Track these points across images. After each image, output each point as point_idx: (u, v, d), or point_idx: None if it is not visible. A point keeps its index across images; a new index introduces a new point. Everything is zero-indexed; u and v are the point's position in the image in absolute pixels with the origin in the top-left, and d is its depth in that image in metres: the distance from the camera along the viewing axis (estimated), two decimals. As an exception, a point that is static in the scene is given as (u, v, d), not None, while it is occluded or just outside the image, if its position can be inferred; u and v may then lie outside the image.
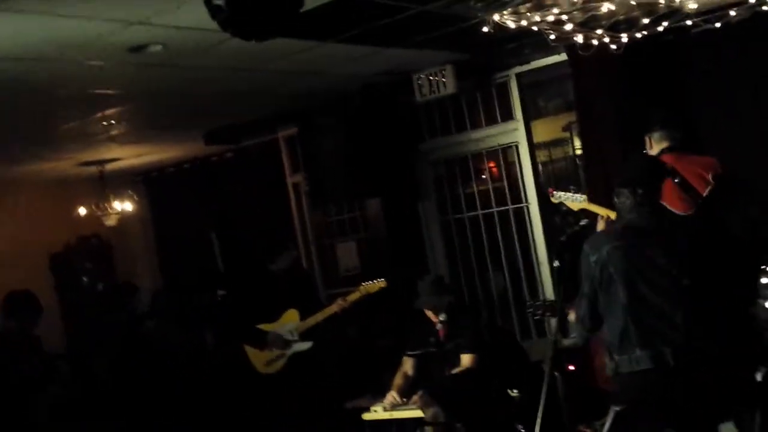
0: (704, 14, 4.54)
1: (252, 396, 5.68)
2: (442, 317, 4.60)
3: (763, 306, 4.14)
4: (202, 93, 5.60)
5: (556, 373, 3.38)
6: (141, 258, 9.34)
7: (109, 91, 5.13)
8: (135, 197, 8.40)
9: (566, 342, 4.86)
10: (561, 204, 4.57)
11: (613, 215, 4.21)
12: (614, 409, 3.03)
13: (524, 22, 4.14)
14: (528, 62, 6.01)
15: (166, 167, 8.83)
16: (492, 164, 6.60)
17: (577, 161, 6.07)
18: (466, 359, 4.51)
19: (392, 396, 4.58)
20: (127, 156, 7.69)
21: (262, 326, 5.32)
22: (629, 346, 3.04)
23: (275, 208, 7.56)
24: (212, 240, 8.37)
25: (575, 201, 4.50)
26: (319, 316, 5.32)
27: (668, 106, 5.17)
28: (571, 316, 3.41)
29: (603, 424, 3.08)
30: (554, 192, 4.62)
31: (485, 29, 4.09)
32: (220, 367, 6.40)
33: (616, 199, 3.27)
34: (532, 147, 6.25)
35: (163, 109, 6.00)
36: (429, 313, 4.68)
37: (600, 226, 4.17)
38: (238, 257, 7.88)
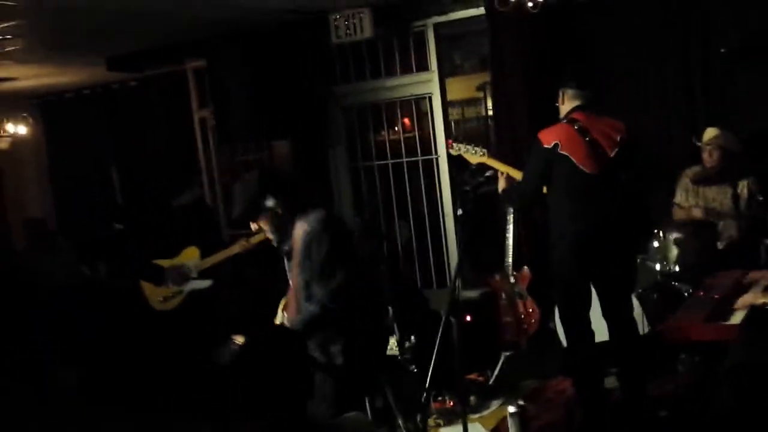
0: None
1: (145, 332, 5.55)
2: None
3: (651, 268, 4.35)
4: (106, 9, 5.27)
5: (452, 320, 3.42)
6: (33, 186, 8.89)
7: (8, 2, 4.76)
8: (30, 121, 7.95)
9: (469, 294, 4.94)
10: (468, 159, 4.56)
11: (512, 172, 4.26)
12: (504, 354, 3.14)
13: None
14: (446, 13, 5.99)
15: (64, 92, 8.36)
16: (405, 114, 6.59)
17: (489, 121, 6.12)
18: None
19: None
20: (24, 76, 7.22)
21: (160, 262, 5.18)
22: None
23: (180, 142, 7.31)
24: (111, 171, 8.03)
25: (474, 155, 4.50)
26: (220, 256, 5.20)
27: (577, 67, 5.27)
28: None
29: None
30: (453, 144, 4.61)
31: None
32: (113, 301, 6.21)
33: None
34: (445, 99, 6.27)
35: (64, 26, 5.62)
36: None
37: (501, 183, 4.18)
38: (138, 191, 7.60)
